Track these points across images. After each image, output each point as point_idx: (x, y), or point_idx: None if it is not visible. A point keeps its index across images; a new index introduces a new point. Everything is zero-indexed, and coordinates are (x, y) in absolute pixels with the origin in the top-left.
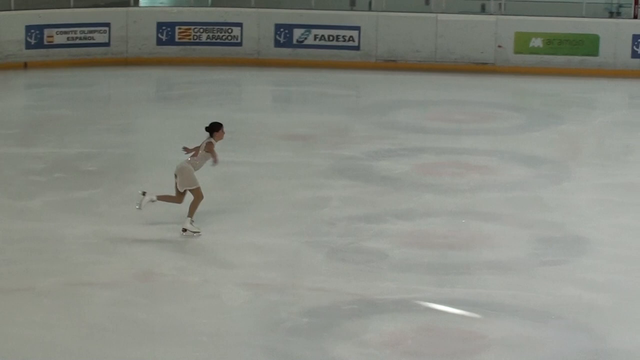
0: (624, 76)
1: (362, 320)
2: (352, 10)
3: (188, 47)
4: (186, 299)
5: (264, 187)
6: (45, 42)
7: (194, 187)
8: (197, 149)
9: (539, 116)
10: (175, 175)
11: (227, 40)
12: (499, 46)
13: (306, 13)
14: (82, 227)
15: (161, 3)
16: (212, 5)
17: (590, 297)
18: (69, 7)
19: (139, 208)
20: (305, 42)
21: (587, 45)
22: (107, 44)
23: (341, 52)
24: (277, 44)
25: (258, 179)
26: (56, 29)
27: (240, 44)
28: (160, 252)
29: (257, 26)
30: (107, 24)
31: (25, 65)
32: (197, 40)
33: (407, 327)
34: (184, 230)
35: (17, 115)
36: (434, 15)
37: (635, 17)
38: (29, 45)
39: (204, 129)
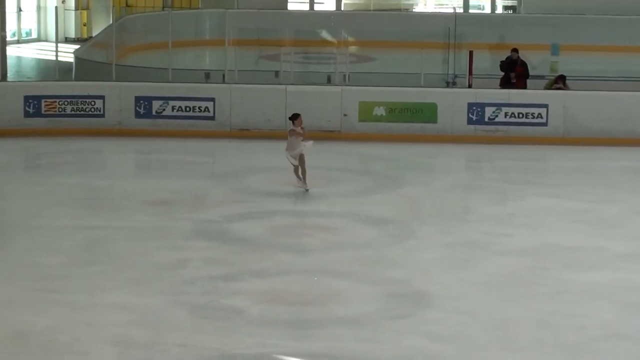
0: (461, 141)
1: None
2: (207, 82)
3: (54, 119)
4: (57, 357)
5: (127, 249)
6: None
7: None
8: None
9: (383, 179)
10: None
11: (90, 112)
12: (345, 115)
13: (165, 86)
14: None
15: (28, 78)
16: (76, 79)
17: (435, 348)
18: None
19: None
20: (164, 113)
21: (427, 113)
22: None
23: (198, 122)
24: (138, 114)
25: (121, 242)
26: None
27: (103, 116)
28: (31, 313)
29: (118, 98)
30: None
31: None
32: (63, 112)
33: None
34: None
35: None
36: (283, 86)
37: (470, 86)
38: None
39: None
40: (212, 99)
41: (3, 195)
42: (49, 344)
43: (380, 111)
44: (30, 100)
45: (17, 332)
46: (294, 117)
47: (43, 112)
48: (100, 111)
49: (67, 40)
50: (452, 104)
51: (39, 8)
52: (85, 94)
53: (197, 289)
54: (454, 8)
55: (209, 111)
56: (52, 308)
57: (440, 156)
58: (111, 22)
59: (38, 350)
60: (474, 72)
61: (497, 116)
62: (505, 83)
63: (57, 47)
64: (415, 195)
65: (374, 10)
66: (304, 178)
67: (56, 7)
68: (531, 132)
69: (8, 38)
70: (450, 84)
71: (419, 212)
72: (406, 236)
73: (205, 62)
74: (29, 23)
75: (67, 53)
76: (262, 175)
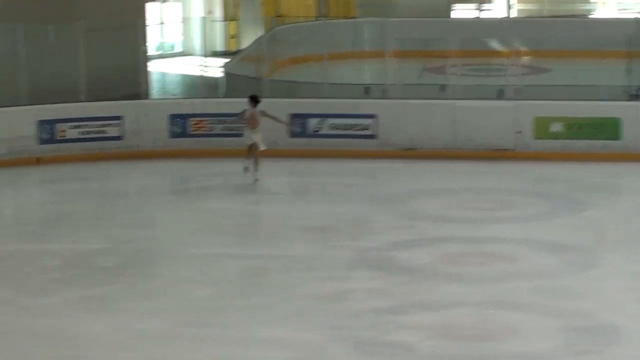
0: None
1: None
2: (367, 97)
3: (202, 139)
4: None
5: (284, 279)
6: (58, 137)
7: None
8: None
9: (562, 202)
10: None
11: (241, 132)
12: (518, 132)
13: (321, 102)
14: (102, 324)
15: (173, 95)
16: (225, 96)
17: None
18: (81, 101)
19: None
20: (321, 132)
21: (609, 128)
22: (120, 138)
23: (357, 141)
24: (293, 133)
25: (277, 272)
26: (68, 123)
27: None
28: (182, 348)
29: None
30: (120, 117)
31: (38, 161)
32: (212, 132)
33: None
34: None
35: (32, 211)
36: (451, 101)
37: None
38: (41, 141)
39: None
40: (373, 116)
41: (150, 222)
42: None
43: (557, 127)
44: (177, 120)
45: None
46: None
47: (190, 132)
48: None
49: (214, 54)
50: (637, 118)
51: (183, 19)
52: (236, 111)
53: (361, 323)
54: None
55: (369, 129)
56: (204, 344)
57: (625, 176)
58: (262, 33)
59: None
60: None
61: None
62: None
63: (204, 61)
64: (598, 219)
65: (548, 16)
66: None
67: (202, 18)
68: None
69: (151, 52)
70: (635, 96)
71: (603, 237)
72: (589, 264)
73: (365, 75)
74: (173, 36)
75: (214, 67)
76: (429, 199)
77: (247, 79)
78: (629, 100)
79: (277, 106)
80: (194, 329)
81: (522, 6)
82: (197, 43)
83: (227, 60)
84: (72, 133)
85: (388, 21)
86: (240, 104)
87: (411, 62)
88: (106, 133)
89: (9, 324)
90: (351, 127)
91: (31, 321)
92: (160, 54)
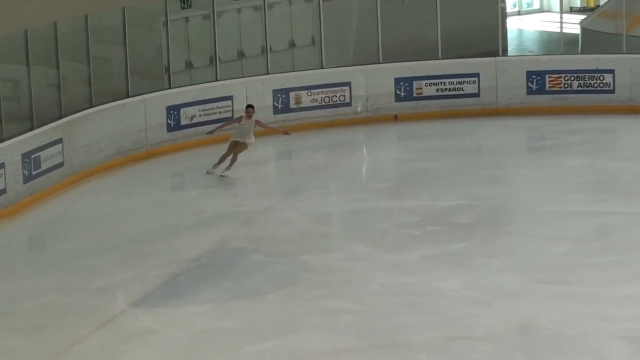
0: None
1: None
2: None
3: (558, 95)
4: (565, 353)
5: None
6: (415, 94)
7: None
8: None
9: None
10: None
11: (599, 88)
12: None
13: None
14: (458, 280)
15: (530, 52)
16: (582, 52)
17: None
18: (438, 59)
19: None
20: None
21: None
22: (476, 95)
23: None
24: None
25: (635, 229)
26: (425, 81)
27: (612, 91)
28: (537, 305)
29: (629, 72)
30: (477, 75)
31: (396, 118)
32: (568, 89)
33: None
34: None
35: (389, 168)
36: None
37: None
38: (398, 98)
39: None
40: None
41: (506, 179)
42: (556, 338)
43: None
44: (534, 76)
45: (522, 325)
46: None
47: (547, 88)
48: (610, 86)
49: (572, 10)
50: None
51: None
52: (593, 67)
53: None
54: None
55: None
56: (560, 300)
57: None
58: None
59: (544, 345)
60: None
61: None
62: None
63: (561, 17)
64: None
65: None
66: (231, 165)
67: None
68: None
69: (508, 9)
70: None
71: None
72: None
73: None
74: None
75: (572, 24)
76: None
77: (605, 35)
78: None
79: (636, 63)
80: (549, 285)
81: None
82: (555, 0)
83: (584, 16)
84: (429, 90)
85: None
86: (597, 60)
87: None
88: (463, 90)
89: (366, 280)
90: None
91: (388, 277)
92: (518, 11)
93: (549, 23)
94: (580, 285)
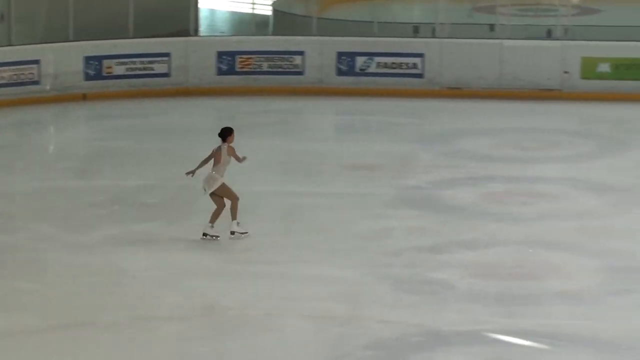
0: None
1: (428, 352)
2: (415, 37)
3: (249, 76)
4: (250, 333)
5: (327, 218)
6: (104, 73)
7: (229, 192)
8: (209, 159)
9: (607, 143)
10: (205, 189)
11: (288, 69)
12: (565, 72)
13: (369, 40)
14: (144, 260)
15: (221, 32)
16: (273, 34)
17: None
18: (128, 37)
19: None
20: (368, 70)
21: None
22: (167, 75)
23: (404, 80)
24: (340, 72)
25: (320, 210)
26: (115, 60)
27: (302, 73)
28: (223, 285)
29: (319, 54)
30: (167, 54)
31: (84, 97)
32: (258, 70)
33: None
34: (232, 233)
35: (77, 148)
36: (499, 41)
37: None
38: (88, 77)
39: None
40: (421, 55)
41: (196, 160)
42: (240, 318)
43: (604, 68)
44: (224, 57)
45: (207, 305)
46: (229, 133)
47: (237, 69)
48: (299, 68)
49: None
50: None
51: None
52: (283, 49)
53: (401, 261)
54: None
55: (417, 68)
56: (245, 280)
57: None
58: None
59: (230, 325)
60: None
61: None
62: None
63: None
64: None
65: None
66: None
67: None
68: None
69: None
70: None
71: None
72: (631, 205)
73: (414, 14)
74: None
75: (264, 5)
76: (473, 138)
77: (296, 17)
78: None
79: (325, 45)
80: (236, 265)
81: None
82: None
83: None
84: (119, 69)
85: None
86: (288, 41)
87: (460, 1)
88: (153, 70)
89: (50, 260)
90: (398, 65)
91: (72, 257)
92: None
93: (242, 4)
94: (266, 264)
